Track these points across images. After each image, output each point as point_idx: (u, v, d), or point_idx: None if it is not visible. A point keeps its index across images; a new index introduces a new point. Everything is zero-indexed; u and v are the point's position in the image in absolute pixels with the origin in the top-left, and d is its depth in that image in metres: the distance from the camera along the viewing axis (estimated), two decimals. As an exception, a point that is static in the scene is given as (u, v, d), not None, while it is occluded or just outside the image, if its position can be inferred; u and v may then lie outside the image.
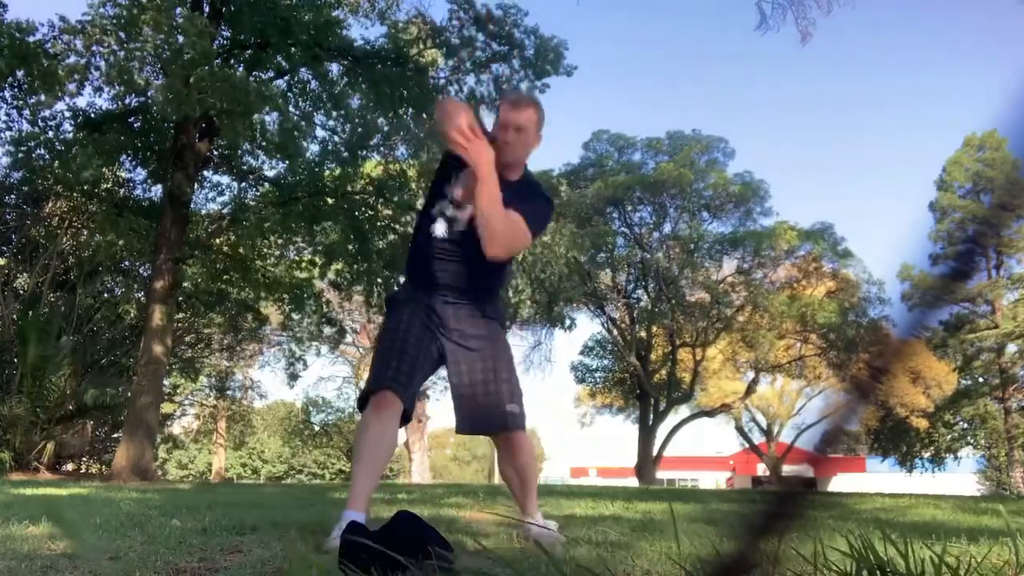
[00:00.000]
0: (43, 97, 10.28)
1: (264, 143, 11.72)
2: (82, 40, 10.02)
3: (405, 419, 2.51)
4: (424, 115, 12.33)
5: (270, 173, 13.79)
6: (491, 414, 2.56)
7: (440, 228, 2.57)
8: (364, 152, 13.03)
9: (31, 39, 9.81)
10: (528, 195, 2.56)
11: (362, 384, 32.68)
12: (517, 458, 2.66)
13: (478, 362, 2.55)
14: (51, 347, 11.81)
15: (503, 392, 2.56)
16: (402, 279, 2.86)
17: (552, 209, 2.75)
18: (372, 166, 13.79)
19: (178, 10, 9.39)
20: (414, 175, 13.28)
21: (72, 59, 10.16)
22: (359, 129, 12.56)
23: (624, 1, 71.30)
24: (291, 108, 12.06)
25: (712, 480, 35.05)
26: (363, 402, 2.49)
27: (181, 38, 9.21)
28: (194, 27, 9.13)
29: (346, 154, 12.72)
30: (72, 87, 10.16)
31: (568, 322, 20.29)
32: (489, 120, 2.74)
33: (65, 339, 12.54)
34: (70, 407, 12.38)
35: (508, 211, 2.41)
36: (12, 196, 14.32)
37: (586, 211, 22.75)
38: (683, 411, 26.95)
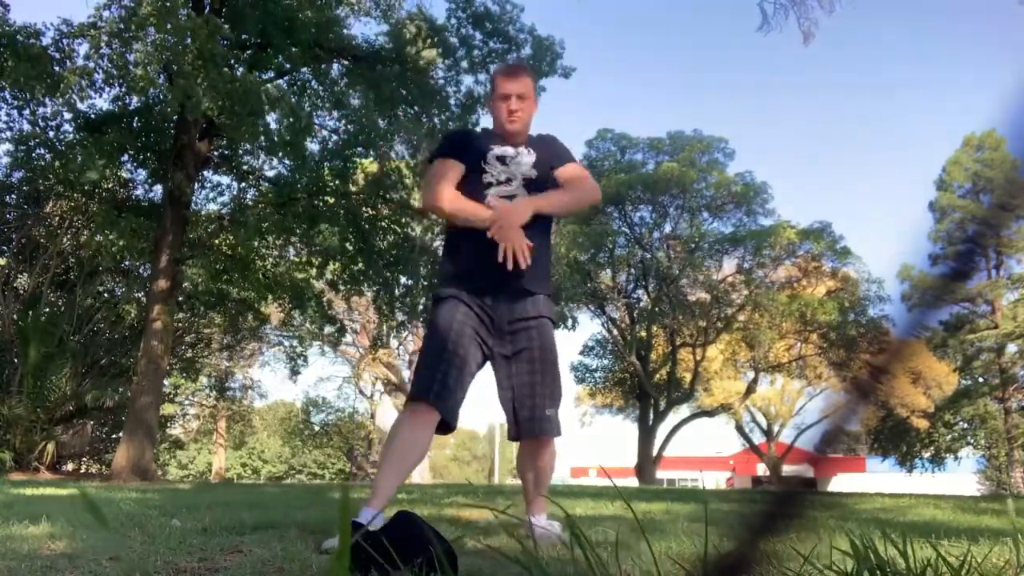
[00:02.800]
0: (57, 104, 10.31)
1: (267, 143, 11.72)
2: (88, 42, 10.03)
3: (447, 428, 2.49)
4: (424, 116, 12.34)
5: (270, 173, 13.80)
6: (532, 418, 2.54)
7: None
8: (363, 150, 13.03)
9: (35, 42, 9.84)
10: (558, 149, 2.76)
11: (362, 384, 32.58)
12: (541, 461, 2.65)
13: (525, 365, 2.53)
14: (52, 347, 11.82)
15: (545, 396, 2.54)
16: (441, 278, 2.83)
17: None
18: (369, 163, 13.79)
19: (182, 11, 9.39)
20: (409, 173, 13.29)
21: (80, 62, 10.18)
22: (358, 128, 12.57)
23: (624, 1, 71.31)
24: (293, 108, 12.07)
25: (712, 480, 35.05)
26: (410, 399, 2.50)
27: (189, 39, 9.21)
28: (205, 28, 9.12)
29: (347, 152, 12.73)
30: (78, 90, 10.17)
31: (571, 321, 20.33)
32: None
33: (67, 340, 12.56)
34: (70, 407, 12.39)
35: (567, 177, 2.71)
36: (12, 196, 14.32)
37: (586, 210, 22.74)
38: (683, 411, 26.96)
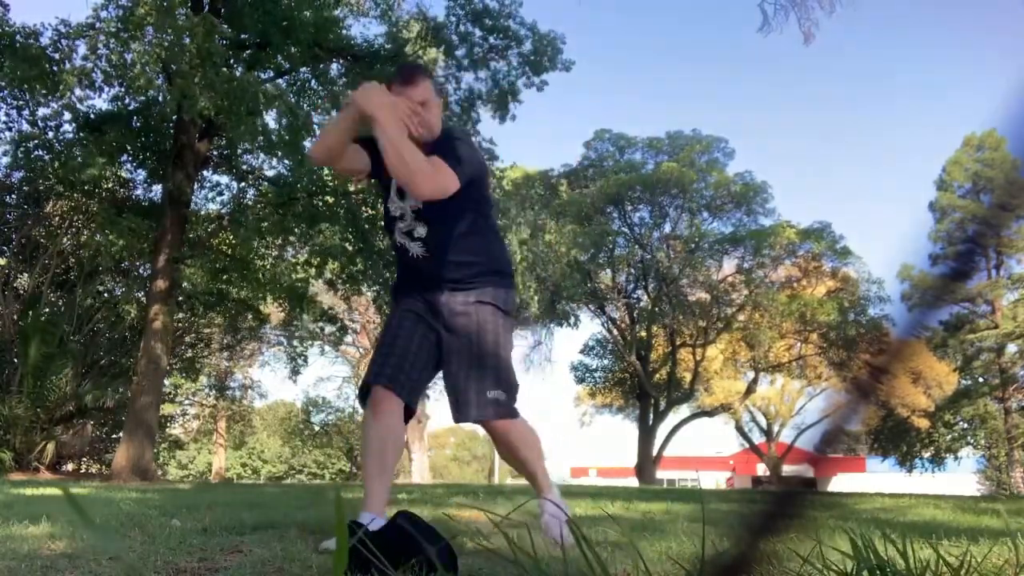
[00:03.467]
0: (56, 105, 10.31)
1: (267, 143, 11.72)
2: (86, 42, 10.03)
3: (407, 411, 2.46)
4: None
5: (270, 173, 13.80)
6: (470, 402, 2.47)
7: (413, 247, 2.54)
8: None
9: (34, 43, 9.84)
10: (444, 145, 2.46)
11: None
12: (507, 447, 2.58)
13: (463, 348, 2.48)
14: (52, 347, 11.81)
15: (486, 378, 2.46)
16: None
17: (469, 144, 2.55)
18: None
19: (181, 11, 9.39)
20: None
21: (78, 62, 10.19)
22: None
23: (625, 1, 71.32)
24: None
25: (712, 480, 35.04)
26: (362, 399, 2.49)
27: (187, 39, 9.21)
28: (202, 28, 9.12)
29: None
30: (78, 92, 10.16)
31: (573, 319, 20.36)
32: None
33: (67, 340, 12.55)
34: (70, 407, 12.38)
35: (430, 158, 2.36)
36: (12, 196, 14.32)
37: (587, 210, 22.77)
38: (683, 411, 26.97)
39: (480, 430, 2.71)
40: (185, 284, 12.16)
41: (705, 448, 38.57)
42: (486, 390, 2.47)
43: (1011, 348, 26.06)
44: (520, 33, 12.16)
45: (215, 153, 13.13)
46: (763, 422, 31.43)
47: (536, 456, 2.63)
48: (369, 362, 2.52)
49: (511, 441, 2.56)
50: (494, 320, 2.51)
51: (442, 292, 2.52)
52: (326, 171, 13.05)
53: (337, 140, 2.46)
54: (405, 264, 2.60)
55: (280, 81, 12.36)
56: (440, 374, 2.60)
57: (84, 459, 14.69)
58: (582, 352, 27.39)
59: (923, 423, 25.94)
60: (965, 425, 28.01)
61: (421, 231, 2.53)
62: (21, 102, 11.26)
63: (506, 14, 12.06)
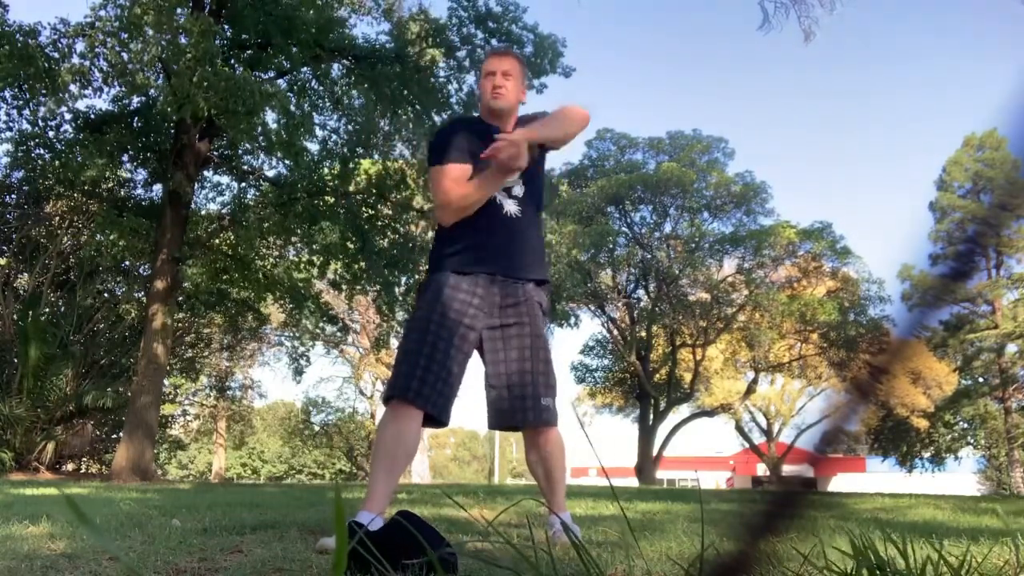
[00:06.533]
0: (50, 103, 10.30)
1: (266, 142, 11.72)
2: (84, 42, 10.03)
3: (438, 423, 2.39)
4: (424, 115, 12.35)
5: (270, 173, 13.80)
6: (524, 407, 2.42)
7: (509, 204, 2.52)
8: (363, 150, 13.03)
9: (33, 42, 9.84)
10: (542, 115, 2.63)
11: (362, 384, 32.27)
12: (544, 453, 2.53)
13: (515, 351, 2.42)
14: (53, 348, 11.81)
15: (539, 384, 2.43)
16: (428, 266, 2.72)
17: None
18: (370, 163, 13.77)
19: (180, 10, 9.39)
20: (413, 175, 13.30)
21: (76, 61, 10.19)
22: (358, 128, 12.56)
23: (626, 1, 71.34)
24: (292, 107, 12.06)
25: (712, 480, 35.02)
26: (386, 399, 2.39)
27: (184, 38, 9.21)
28: (198, 26, 9.12)
29: (345, 151, 12.72)
30: (75, 89, 10.16)
31: (573, 319, 20.35)
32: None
33: (67, 340, 12.56)
34: (70, 407, 12.38)
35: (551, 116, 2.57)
36: (12, 196, 14.32)
37: (587, 210, 22.76)
38: (683, 411, 26.96)
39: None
40: (185, 284, 12.17)
41: (705, 448, 38.55)
42: (540, 396, 2.43)
43: (1011, 348, 26.04)
44: (521, 37, 12.17)
45: (215, 153, 13.14)
46: (763, 422, 31.42)
47: (562, 471, 2.60)
48: (400, 365, 2.35)
49: (551, 450, 2.52)
50: (543, 323, 2.51)
51: (510, 269, 2.47)
52: (326, 171, 13.06)
53: (477, 198, 2.47)
54: (487, 226, 2.48)
55: (280, 81, 12.36)
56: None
57: (84, 459, 14.69)
58: (582, 352, 27.38)
59: (923, 423, 25.94)
60: (965, 425, 28.01)
61: (519, 190, 2.53)
62: (21, 102, 11.26)
63: (511, 18, 12.07)
